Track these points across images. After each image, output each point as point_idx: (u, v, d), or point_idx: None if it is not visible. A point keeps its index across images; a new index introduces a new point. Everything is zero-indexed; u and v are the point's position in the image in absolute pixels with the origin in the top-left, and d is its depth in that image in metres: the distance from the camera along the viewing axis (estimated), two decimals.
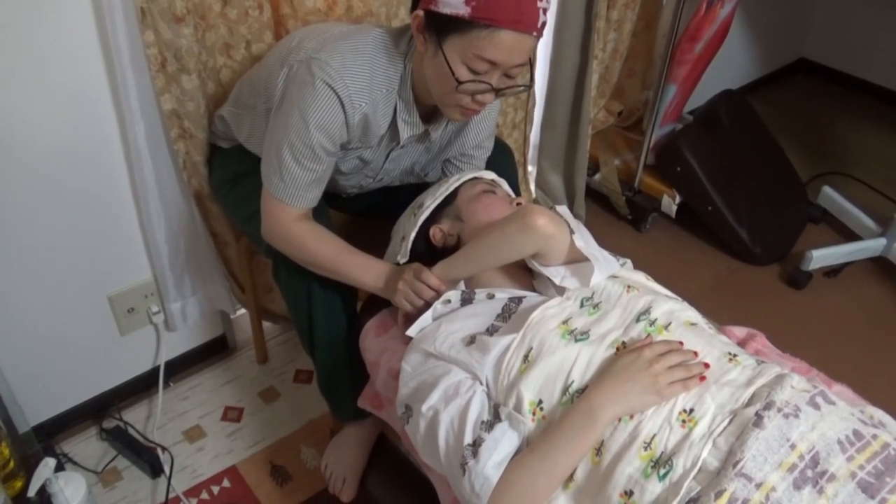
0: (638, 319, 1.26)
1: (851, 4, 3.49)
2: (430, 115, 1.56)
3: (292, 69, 1.48)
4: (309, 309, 1.61)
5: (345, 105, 1.42)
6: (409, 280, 1.45)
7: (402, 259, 1.55)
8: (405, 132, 1.54)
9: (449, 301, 1.42)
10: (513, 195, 1.64)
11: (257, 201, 1.56)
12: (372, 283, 1.52)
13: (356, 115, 1.45)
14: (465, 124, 1.65)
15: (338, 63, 1.41)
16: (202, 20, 1.68)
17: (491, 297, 1.40)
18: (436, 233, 1.54)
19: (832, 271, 2.58)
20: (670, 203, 2.69)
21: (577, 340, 1.22)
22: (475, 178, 1.60)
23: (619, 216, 2.84)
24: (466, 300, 1.41)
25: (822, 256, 2.50)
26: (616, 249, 1.60)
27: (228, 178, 1.79)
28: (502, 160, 1.84)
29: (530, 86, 1.46)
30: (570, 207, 2.71)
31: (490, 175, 1.64)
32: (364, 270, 1.52)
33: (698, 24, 2.44)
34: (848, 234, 2.72)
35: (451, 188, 1.57)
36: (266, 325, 2.28)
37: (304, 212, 1.54)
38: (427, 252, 1.54)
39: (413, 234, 1.55)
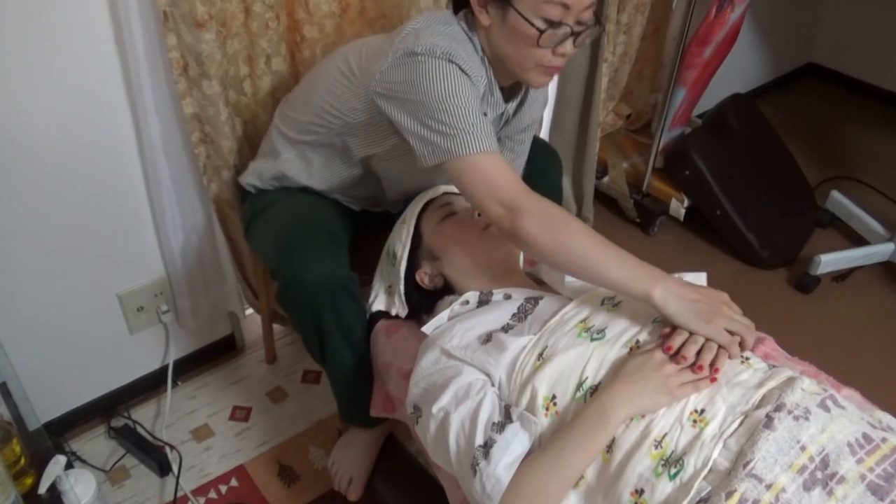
0: (654, 321, 1.26)
1: (861, 9, 3.48)
2: (505, 94, 1.56)
3: (382, 71, 1.42)
4: (319, 334, 1.58)
5: (472, 80, 1.40)
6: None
7: (403, 312, 1.57)
8: (491, 113, 1.52)
9: (467, 302, 1.42)
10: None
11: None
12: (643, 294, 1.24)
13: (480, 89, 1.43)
14: (523, 100, 1.62)
15: (445, 43, 1.37)
16: (223, 27, 1.69)
17: (508, 297, 1.40)
18: (423, 278, 1.53)
19: (840, 276, 2.57)
20: (679, 206, 2.69)
21: (592, 339, 1.22)
22: (427, 204, 1.57)
23: (627, 219, 2.84)
24: (483, 301, 1.41)
25: (830, 261, 2.50)
26: None
27: (258, 209, 1.75)
28: (548, 163, 1.83)
29: (602, 25, 1.45)
30: (579, 210, 2.71)
31: (439, 189, 1.61)
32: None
33: (708, 28, 2.44)
34: (856, 239, 2.72)
35: (412, 227, 1.54)
36: (275, 325, 2.29)
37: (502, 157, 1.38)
38: (425, 297, 1.53)
39: (402, 287, 1.55)
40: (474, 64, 1.43)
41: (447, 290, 1.50)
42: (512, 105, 1.59)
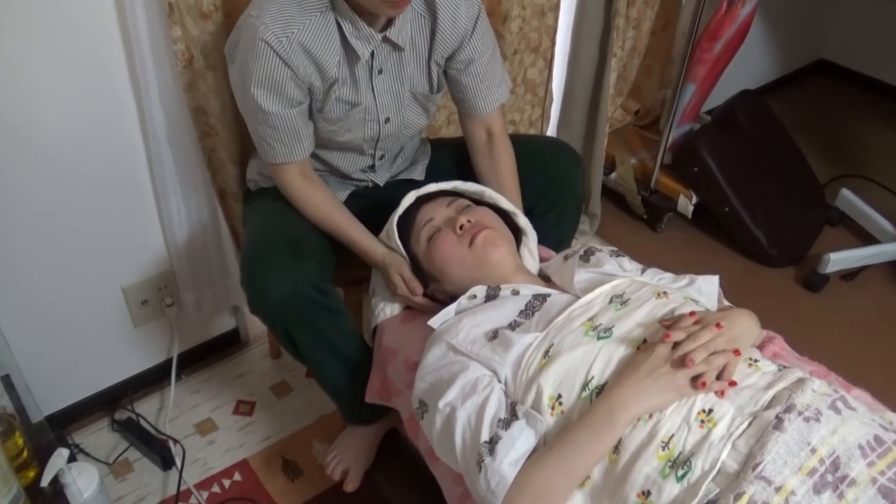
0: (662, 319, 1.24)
1: (872, 6, 3.45)
2: (381, 24, 1.50)
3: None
4: (296, 348, 1.58)
5: (272, 45, 1.41)
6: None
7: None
8: (363, 49, 1.49)
9: (474, 296, 1.41)
10: (462, 202, 1.53)
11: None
12: (370, 263, 1.62)
13: (291, 49, 1.43)
14: (434, 19, 1.56)
15: (255, 10, 1.43)
16: (229, 18, 1.67)
17: (515, 293, 1.38)
18: (434, 294, 1.53)
19: (849, 275, 2.56)
20: (687, 203, 2.67)
21: (599, 338, 1.20)
22: (413, 219, 1.53)
23: (634, 216, 2.83)
24: (491, 296, 1.40)
25: (839, 259, 2.48)
26: (631, 249, 1.59)
27: (246, 214, 1.78)
28: (569, 169, 1.78)
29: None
30: (586, 206, 2.70)
31: (409, 197, 1.56)
32: (358, 249, 1.61)
33: (718, 24, 2.42)
34: (866, 238, 2.70)
35: (399, 245, 1.52)
36: None
37: (301, 169, 1.60)
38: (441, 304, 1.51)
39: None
40: (292, 18, 1.42)
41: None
42: (400, 31, 1.51)
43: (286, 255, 1.50)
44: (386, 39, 1.51)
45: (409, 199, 1.55)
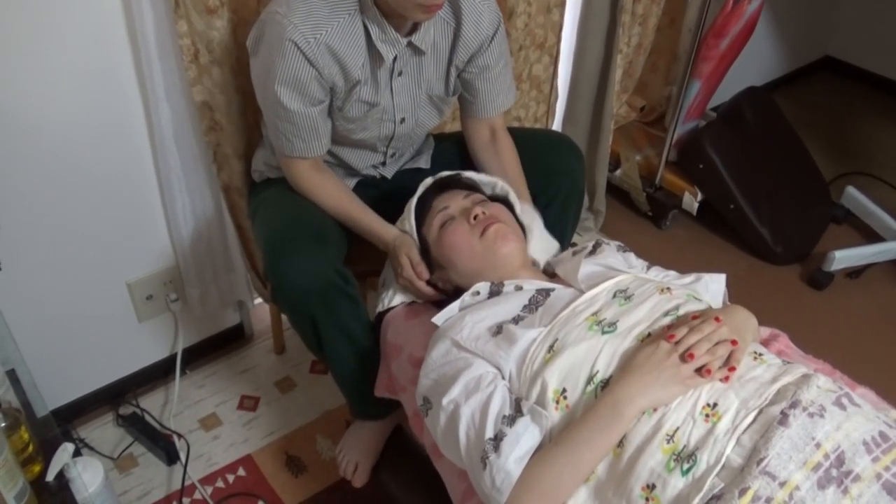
0: (666, 314, 1.24)
1: (878, 3, 3.44)
2: (407, 28, 1.52)
3: (251, 41, 1.54)
4: (316, 334, 1.58)
5: (300, 46, 1.42)
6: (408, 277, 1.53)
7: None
8: (388, 53, 1.51)
9: (478, 293, 1.41)
10: (478, 196, 1.54)
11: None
12: (381, 247, 1.61)
13: (318, 50, 1.44)
14: (458, 24, 1.58)
15: (284, 9, 1.43)
16: (235, 14, 1.67)
17: (519, 288, 1.39)
18: (436, 282, 1.54)
19: (854, 272, 2.55)
20: (692, 200, 2.67)
21: (603, 332, 1.20)
22: (429, 206, 1.54)
23: (639, 213, 2.82)
24: (495, 292, 1.40)
25: (844, 257, 2.47)
26: (636, 246, 1.58)
27: (257, 205, 1.77)
28: (571, 163, 1.78)
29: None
30: (591, 203, 2.69)
31: (426, 182, 1.57)
32: (370, 234, 1.61)
33: (725, 20, 2.41)
34: (871, 236, 2.69)
35: (413, 228, 1.53)
36: (283, 314, 2.28)
37: (314, 162, 1.62)
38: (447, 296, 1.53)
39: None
40: (321, 20, 1.43)
41: (459, 293, 1.47)
42: (424, 36, 1.53)
43: (310, 241, 1.52)
44: (410, 44, 1.53)
45: (426, 184, 1.57)
